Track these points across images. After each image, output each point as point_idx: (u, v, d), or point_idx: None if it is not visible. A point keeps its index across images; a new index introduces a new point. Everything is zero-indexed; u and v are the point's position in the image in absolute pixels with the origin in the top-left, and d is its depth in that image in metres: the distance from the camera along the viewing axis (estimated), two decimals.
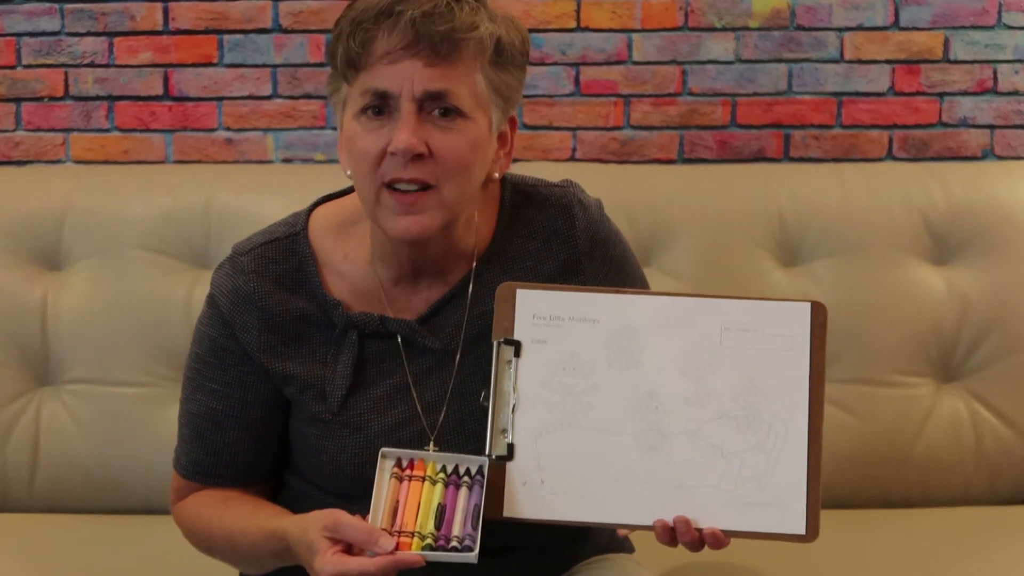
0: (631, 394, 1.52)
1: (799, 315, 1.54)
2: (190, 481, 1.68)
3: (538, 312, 1.55)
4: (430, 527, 1.47)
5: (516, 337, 1.54)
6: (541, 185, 1.70)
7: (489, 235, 1.66)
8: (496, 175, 1.62)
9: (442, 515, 1.48)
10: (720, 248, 2.24)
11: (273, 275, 1.63)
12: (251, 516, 1.61)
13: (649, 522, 1.49)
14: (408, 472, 1.51)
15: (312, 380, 1.62)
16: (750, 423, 1.51)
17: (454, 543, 1.46)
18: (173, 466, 1.71)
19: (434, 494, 1.49)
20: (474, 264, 1.64)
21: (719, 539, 1.49)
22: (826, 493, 2.15)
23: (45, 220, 2.25)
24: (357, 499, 1.53)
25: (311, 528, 1.45)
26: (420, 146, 1.49)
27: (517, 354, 1.53)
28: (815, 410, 1.52)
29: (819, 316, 1.54)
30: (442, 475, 1.51)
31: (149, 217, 2.24)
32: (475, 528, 1.46)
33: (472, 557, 1.44)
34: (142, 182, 2.31)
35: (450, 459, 1.53)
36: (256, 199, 2.23)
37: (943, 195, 2.27)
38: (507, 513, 1.50)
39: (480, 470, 1.51)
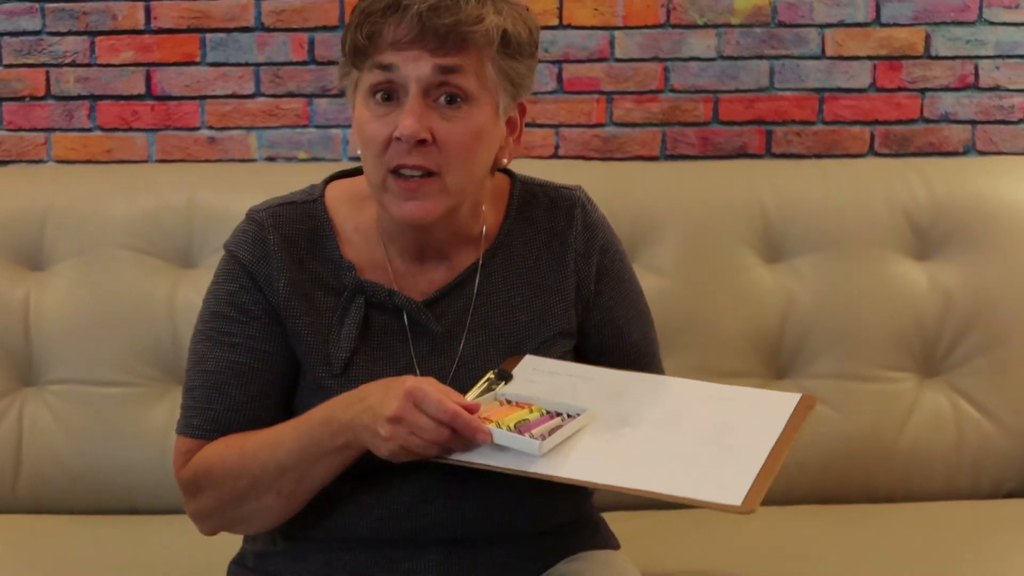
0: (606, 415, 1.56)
1: (786, 400, 1.59)
2: (205, 442, 1.62)
3: (538, 367, 1.62)
4: (509, 424, 1.48)
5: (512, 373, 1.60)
6: (549, 186, 1.74)
7: (496, 228, 1.69)
8: (505, 161, 1.65)
9: (526, 423, 1.50)
10: (703, 244, 2.24)
11: (289, 233, 1.65)
12: (284, 424, 1.59)
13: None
14: (515, 404, 1.55)
15: (317, 343, 1.62)
16: (715, 441, 1.53)
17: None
18: (180, 432, 1.65)
19: (526, 414, 1.53)
20: (481, 256, 1.67)
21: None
22: (809, 488, 2.18)
23: (27, 220, 2.24)
24: (357, 476, 1.55)
25: (395, 380, 1.48)
26: (423, 132, 1.52)
27: (506, 382, 1.59)
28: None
29: (806, 400, 1.59)
30: (543, 411, 1.55)
31: (132, 216, 2.23)
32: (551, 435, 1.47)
33: (535, 447, 1.44)
34: (125, 181, 2.31)
35: (558, 406, 1.55)
36: (239, 198, 2.20)
37: (925, 191, 2.28)
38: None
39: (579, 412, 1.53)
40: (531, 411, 1.53)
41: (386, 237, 1.66)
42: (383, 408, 1.46)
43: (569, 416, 1.53)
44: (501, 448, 1.46)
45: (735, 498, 1.42)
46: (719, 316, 2.22)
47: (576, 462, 1.48)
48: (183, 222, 2.24)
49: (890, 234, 2.25)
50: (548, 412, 1.54)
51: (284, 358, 1.64)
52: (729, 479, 1.45)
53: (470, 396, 1.55)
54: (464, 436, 1.45)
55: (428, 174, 1.55)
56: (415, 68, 1.53)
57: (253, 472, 1.57)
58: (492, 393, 1.56)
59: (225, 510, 1.62)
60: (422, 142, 1.53)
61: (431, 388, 1.46)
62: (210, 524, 1.66)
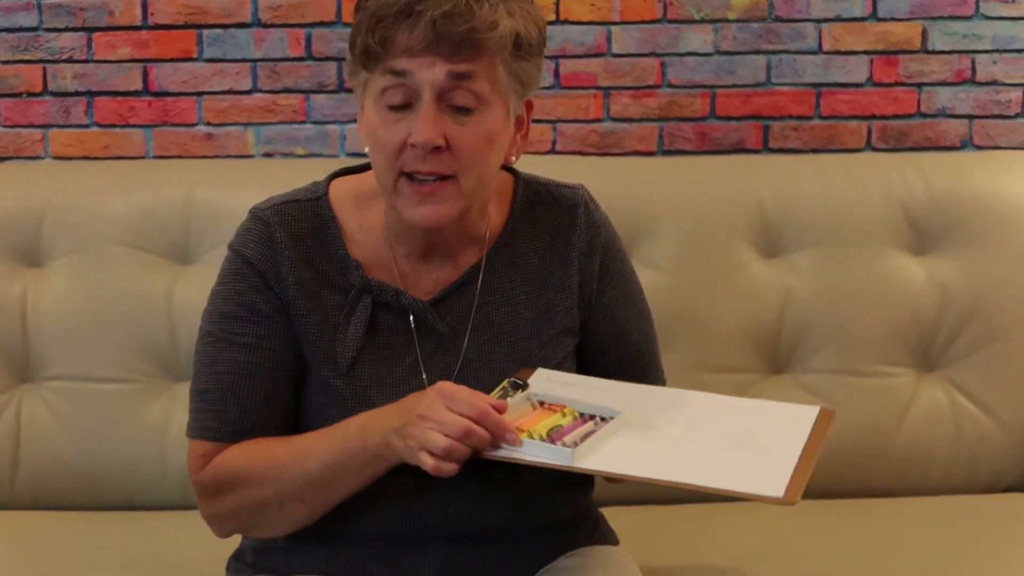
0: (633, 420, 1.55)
1: (806, 412, 1.59)
2: (222, 443, 1.61)
3: (552, 378, 1.61)
4: (541, 432, 1.48)
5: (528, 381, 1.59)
6: (552, 185, 1.74)
7: (500, 227, 1.69)
8: (512, 159, 1.65)
9: (558, 430, 1.49)
10: (701, 240, 2.24)
11: (294, 231, 1.64)
12: (317, 432, 1.58)
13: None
14: (547, 406, 1.54)
15: (324, 342, 1.62)
16: (743, 444, 1.53)
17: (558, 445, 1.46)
18: (195, 436, 1.63)
19: (559, 419, 1.51)
20: (484, 255, 1.67)
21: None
22: (807, 482, 2.18)
23: (24, 217, 2.23)
24: None
25: (431, 387, 1.49)
26: (438, 139, 1.52)
27: (522, 391, 1.58)
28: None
29: (826, 413, 1.59)
30: (576, 415, 1.53)
31: (129, 213, 2.23)
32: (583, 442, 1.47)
33: (567, 454, 1.44)
34: (122, 178, 2.30)
35: (592, 408, 1.54)
36: (237, 194, 2.22)
37: (922, 185, 2.28)
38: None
39: (614, 417, 1.52)
40: (564, 415, 1.53)
41: (392, 237, 1.66)
42: (415, 408, 1.47)
43: (603, 420, 1.53)
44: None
45: (776, 490, 1.43)
46: (716, 311, 2.22)
47: (612, 457, 1.48)
48: (180, 218, 2.23)
49: (887, 229, 2.26)
50: (581, 415, 1.53)
51: (294, 356, 1.63)
52: (767, 473, 1.46)
53: None
54: (495, 436, 1.45)
55: (442, 177, 1.55)
56: (429, 74, 1.51)
57: (280, 480, 1.56)
58: (524, 394, 1.55)
59: (245, 515, 1.61)
60: (436, 148, 1.52)
61: (462, 388, 1.47)
62: (227, 527, 1.66)
